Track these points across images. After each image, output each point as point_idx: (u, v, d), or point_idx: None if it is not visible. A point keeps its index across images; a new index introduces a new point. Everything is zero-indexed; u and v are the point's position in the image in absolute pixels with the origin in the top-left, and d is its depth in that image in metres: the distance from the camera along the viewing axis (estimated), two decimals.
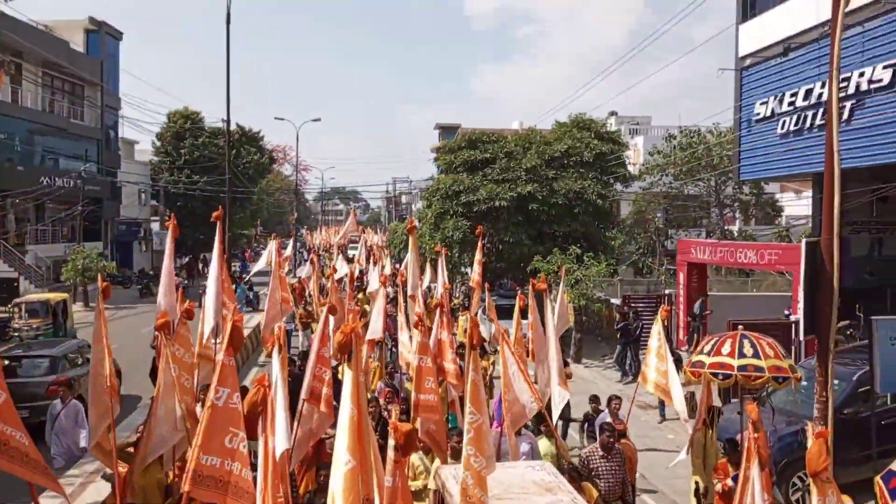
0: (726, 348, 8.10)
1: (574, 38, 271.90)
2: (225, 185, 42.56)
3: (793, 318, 15.79)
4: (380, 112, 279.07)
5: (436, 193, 25.31)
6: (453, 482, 6.01)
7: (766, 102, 18.58)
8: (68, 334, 20.00)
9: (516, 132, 35.37)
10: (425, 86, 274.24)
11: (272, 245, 21.99)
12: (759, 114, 18.94)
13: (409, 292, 14.19)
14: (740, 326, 8.52)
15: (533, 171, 23.48)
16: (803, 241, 9.64)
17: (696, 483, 8.55)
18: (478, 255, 17.40)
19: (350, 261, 29.34)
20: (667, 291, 21.62)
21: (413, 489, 7.04)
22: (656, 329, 8.96)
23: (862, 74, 15.41)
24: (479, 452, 5.21)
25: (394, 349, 15.38)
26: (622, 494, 7.89)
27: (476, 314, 16.03)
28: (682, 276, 20.37)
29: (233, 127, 45.28)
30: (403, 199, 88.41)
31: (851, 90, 15.64)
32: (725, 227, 39.63)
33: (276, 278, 13.50)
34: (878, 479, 5.79)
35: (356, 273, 23.38)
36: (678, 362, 11.22)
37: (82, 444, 9.45)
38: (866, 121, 15.48)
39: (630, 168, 41.09)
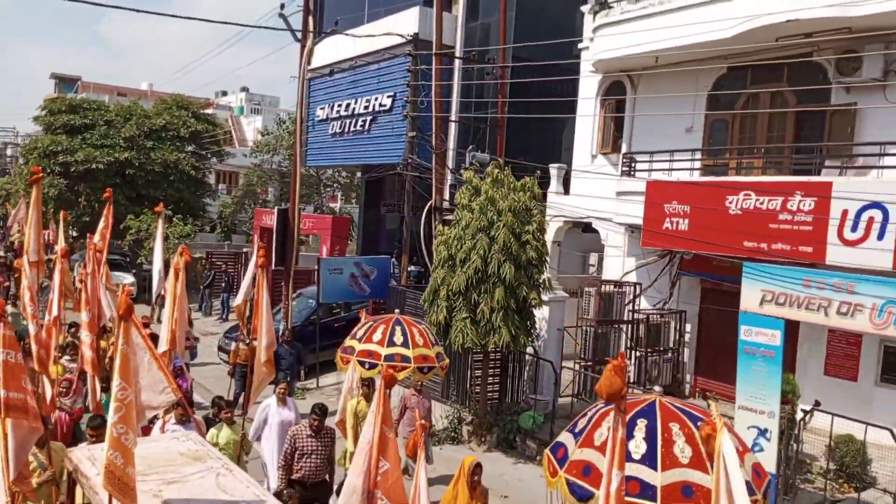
0: (377, 335, 8.04)
1: None
2: None
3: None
4: None
5: (33, 152, 26.37)
6: (88, 464, 5.77)
7: (324, 108, 24.40)
8: None
9: (145, 93, 36.88)
10: (45, 20, 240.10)
11: None
12: (318, 116, 24.72)
13: (33, 257, 10.77)
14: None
15: (132, 139, 26.20)
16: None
17: (345, 452, 8.61)
18: (102, 223, 13.95)
19: None
20: (244, 250, 26.45)
21: (35, 485, 6.74)
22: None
23: (376, 99, 21.86)
24: (129, 429, 4.92)
25: None
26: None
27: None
28: (255, 238, 25.35)
29: None
30: (9, 151, 79.61)
31: (371, 109, 22.03)
32: (327, 205, 46.19)
33: None
34: (546, 451, 5.83)
35: None
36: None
37: None
38: (377, 132, 22.01)
39: (250, 144, 45.18)
